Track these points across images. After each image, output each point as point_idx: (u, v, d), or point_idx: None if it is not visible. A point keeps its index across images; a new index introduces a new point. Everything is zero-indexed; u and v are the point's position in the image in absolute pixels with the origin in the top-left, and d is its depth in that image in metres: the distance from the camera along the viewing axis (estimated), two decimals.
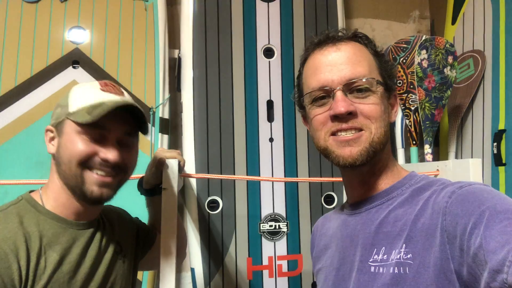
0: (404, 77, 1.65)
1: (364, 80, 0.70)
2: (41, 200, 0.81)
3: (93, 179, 0.78)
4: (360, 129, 0.70)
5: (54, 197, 0.81)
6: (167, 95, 1.56)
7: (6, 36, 1.44)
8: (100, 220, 0.90)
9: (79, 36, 1.51)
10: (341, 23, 1.73)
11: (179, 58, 1.60)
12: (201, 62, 1.56)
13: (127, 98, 0.83)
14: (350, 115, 0.69)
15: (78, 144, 0.77)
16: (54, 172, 0.82)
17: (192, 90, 1.53)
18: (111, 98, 0.79)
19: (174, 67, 1.63)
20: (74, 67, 1.48)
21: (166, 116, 1.55)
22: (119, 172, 0.81)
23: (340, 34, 0.75)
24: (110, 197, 0.82)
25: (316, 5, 1.71)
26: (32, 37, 1.47)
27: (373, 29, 2.13)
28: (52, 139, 0.82)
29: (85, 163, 0.77)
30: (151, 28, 1.58)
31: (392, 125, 1.38)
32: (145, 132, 0.85)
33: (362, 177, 0.75)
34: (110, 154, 0.78)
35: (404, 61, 1.67)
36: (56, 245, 0.78)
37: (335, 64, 0.71)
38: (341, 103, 0.69)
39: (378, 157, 0.72)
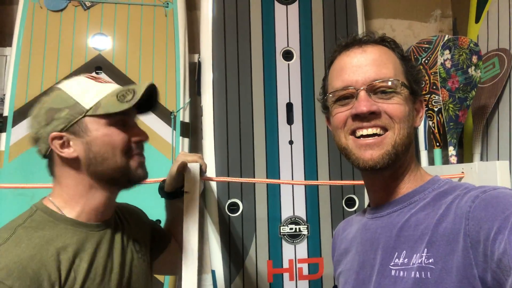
0: (427, 77, 1.62)
1: (389, 81, 0.69)
2: (56, 208, 0.79)
3: (136, 162, 0.81)
4: (383, 129, 0.69)
5: (74, 203, 0.79)
6: (187, 99, 1.58)
7: (32, 45, 1.49)
8: (116, 216, 0.89)
9: (102, 43, 1.55)
10: (360, 24, 1.71)
11: (199, 63, 1.61)
12: (221, 65, 1.57)
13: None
14: (373, 114, 0.68)
15: (114, 135, 0.78)
16: (74, 177, 0.79)
17: (212, 94, 1.55)
18: (111, 87, 0.82)
19: (194, 71, 1.65)
20: (97, 73, 1.51)
21: (187, 119, 1.56)
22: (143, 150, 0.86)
23: (367, 37, 0.75)
24: (147, 175, 0.85)
25: (335, 6, 1.70)
26: (57, 45, 1.51)
27: (393, 30, 2.10)
28: (65, 144, 0.78)
29: (126, 150, 0.80)
30: (171, 33, 1.60)
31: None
32: (155, 108, 0.89)
33: (384, 181, 0.73)
34: (141, 135, 0.83)
35: (427, 61, 1.64)
36: (83, 252, 0.77)
37: (360, 65, 0.71)
38: (363, 102, 0.68)
39: (401, 161, 0.71)
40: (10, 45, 1.51)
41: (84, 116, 0.77)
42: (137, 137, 0.82)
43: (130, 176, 0.81)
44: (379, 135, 0.69)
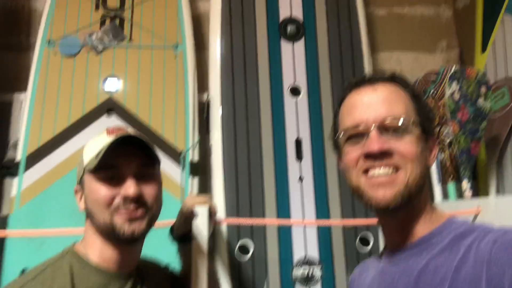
0: (436, 109, 1.61)
1: (400, 120, 0.69)
2: (83, 253, 0.82)
3: (121, 218, 0.79)
4: (396, 168, 0.68)
5: (95, 250, 0.82)
6: (196, 138, 1.59)
7: (46, 90, 1.53)
8: (139, 271, 0.90)
9: (113, 85, 1.59)
10: (367, 58, 1.73)
11: (208, 101, 1.64)
12: (229, 103, 1.59)
13: (129, 132, 0.85)
14: (385, 154, 0.68)
15: (98, 191, 0.79)
16: (89, 227, 0.84)
17: (221, 131, 1.56)
18: (114, 138, 0.81)
19: (203, 110, 1.67)
20: (108, 115, 1.54)
21: (196, 159, 1.57)
22: (143, 205, 0.81)
23: (377, 75, 0.75)
24: (143, 232, 0.82)
25: (341, 42, 1.72)
26: (70, 88, 1.55)
27: (400, 62, 2.11)
28: (80, 197, 0.85)
29: (111, 206, 0.79)
30: (181, 74, 1.64)
31: None
32: (157, 161, 0.86)
33: (398, 223, 0.72)
34: (128, 189, 0.79)
35: (435, 93, 1.64)
36: None
37: (371, 103, 0.71)
38: (375, 141, 0.68)
39: (415, 202, 0.69)
40: (25, 90, 1.56)
41: (84, 172, 0.82)
42: (123, 192, 0.79)
43: (115, 232, 0.79)
44: (391, 174, 0.68)
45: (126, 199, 0.79)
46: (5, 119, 1.64)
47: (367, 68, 1.71)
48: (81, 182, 0.84)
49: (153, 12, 1.71)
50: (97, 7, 1.69)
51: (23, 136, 1.47)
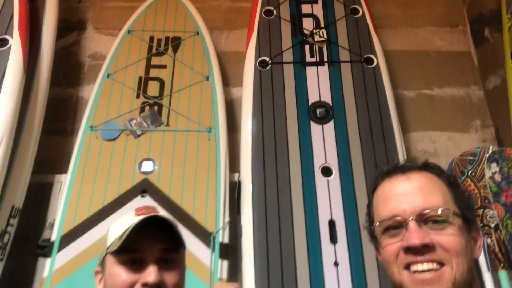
0: (477, 191, 1.54)
1: (439, 211, 0.66)
2: None
3: None
4: (440, 263, 0.63)
5: None
6: (227, 219, 1.57)
7: (85, 172, 1.60)
8: None
9: (149, 167, 1.64)
10: (398, 137, 1.72)
11: (239, 182, 1.65)
12: (260, 183, 1.59)
13: (157, 214, 0.82)
14: (427, 247, 0.64)
15: (118, 276, 0.76)
16: None
17: (252, 212, 1.54)
18: (140, 219, 0.79)
19: (234, 190, 1.67)
20: (142, 196, 1.57)
21: (226, 240, 1.54)
22: None
23: (409, 164, 0.74)
24: None
25: (371, 122, 1.74)
26: (107, 170, 1.62)
27: (433, 141, 2.09)
28: (100, 279, 0.81)
29: None
30: (213, 155, 1.68)
31: None
32: (182, 246, 0.82)
33: None
34: (148, 277, 0.75)
35: (473, 174, 1.58)
36: None
37: (406, 193, 0.69)
38: (415, 234, 0.64)
39: None
40: (66, 172, 1.63)
41: (106, 253, 0.80)
42: (142, 280, 0.75)
43: None
44: (436, 269, 0.63)
45: (145, 286, 0.75)
46: (45, 199, 1.71)
47: (400, 147, 1.69)
48: (102, 263, 0.81)
49: (189, 99, 1.82)
50: (138, 96, 1.83)
51: (59, 216, 1.51)
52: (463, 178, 1.60)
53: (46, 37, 1.88)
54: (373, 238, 0.75)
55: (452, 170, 1.65)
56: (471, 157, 1.61)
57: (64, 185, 1.59)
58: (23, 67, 1.65)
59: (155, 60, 1.93)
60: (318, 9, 2.03)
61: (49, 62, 1.86)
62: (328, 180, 1.61)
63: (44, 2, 1.95)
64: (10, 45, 1.67)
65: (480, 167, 1.57)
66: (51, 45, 1.89)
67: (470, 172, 1.59)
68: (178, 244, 0.82)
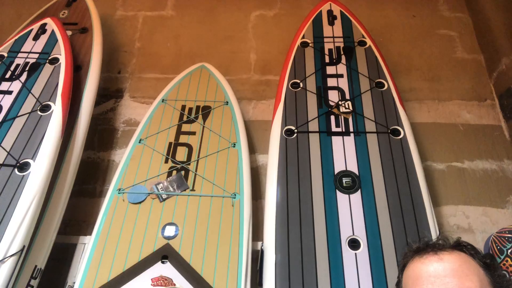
0: None
1: None
2: None
3: None
4: None
5: None
6: None
7: (109, 234, 1.60)
8: None
9: (171, 232, 1.63)
10: (429, 210, 1.65)
11: (262, 251, 1.60)
12: (284, 254, 1.53)
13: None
14: None
15: None
16: None
17: (274, 284, 1.46)
18: None
19: (257, 260, 1.62)
20: (162, 262, 1.54)
21: None
22: None
23: (440, 242, 0.70)
24: None
25: (399, 194, 1.69)
26: (131, 234, 1.61)
27: (467, 216, 1.99)
28: None
29: None
30: (236, 222, 1.65)
31: None
32: None
33: None
34: None
35: None
36: None
37: (439, 276, 0.65)
38: None
39: None
40: (90, 234, 1.64)
41: None
42: None
43: None
44: None
45: None
46: (67, 261, 1.70)
47: (431, 221, 1.61)
48: None
49: (215, 165, 1.85)
50: (166, 161, 1.87)
51: (79, 279, 1.48)
52: (502, 257, 1.49)
53: (85, 103, 2.01)
54: None
55: (490, 248, 1.54)
56: (510, 235, 1.51)
57: (87, 247, 1.59)
58: (61, 131, 1.74)
59: (185, 127, 2.01)
60: (343, 83, 2.10)
61: (86, 127, 1.96)
62: (355, 254, 1.53)
63: (87, 72, 2.11)
64: (52, 111, 1.79)
65: None
66: (89, 111, 2.01)
67: (509, 250, 1.49)
68: None
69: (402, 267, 0.72)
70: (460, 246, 0.69)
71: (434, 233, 1.58)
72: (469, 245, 0.69)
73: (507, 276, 1.42)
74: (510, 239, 1.51)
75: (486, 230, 1.78)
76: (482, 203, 2.03)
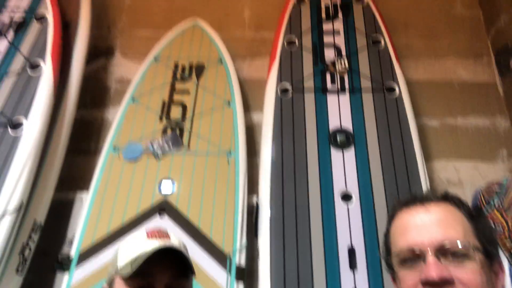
0: (504, 223, 1.47)
1: (458, 244, 0.64)
2: None
3: None
4: None
5: None
6: (244, 241, 1.55)
7: (106, 190, 1.63)
8: None
9: (168, 188, 1.65)
10: (421, 165, 1.68)
11: (257, 204, 1.63)
12: (278, 207, 1.57)
13: (169, 241, 0.82)
14: (446, 282, 0.62)
15: None
16: None
17: (269, 236, 1.51)
18: (153, 244, 0.78)
19: (252, 213, 1.66)
20: (160, 216, 1.57)
21: (243, 263, 1.51)
22: None
23: (428, 195, 0.72)
24: None
25: (392, 150, 1.71)
26: (128, 190, 1.64)
27: (457, 171, 2.03)
28: None
29: None
30: (232, 178, 1.68)
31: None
32: (191, 273, 0.83)
33: None
34: None
35: (500, 205, 1.52)
36: None
37: (425, 225, 0.67)
38: (433, 268, 0.62)
39: None
40: (87, 190, 1.66)
41: (115, 274, 0.80)
42: None
43: None
44: None
45: None
46: (66, 215, 1.74)
47: (422, 176, 1.65)
48: (111, 283, 0.81)
49: (210, 123, 1.85)
50: (160, 118, 1.87)
51: (79, 233, 1.53)
52: (490, 209, 1.54)
53: (76, 62, 1.97)
54: (390, 268, 0.73)
55: (478, 200, 1.59)
56: (498, 187, 1.56)
57: (85, 202, 1.62)
58: (53, 90, 1.72)
59: (179, 86, 1.99)
60: (340, 40, 2.07)
61: (78, 86, 1.94)
62: (348, 207, 1.58)
63: (76, 29, 2.06)
64: (42, 69, 1.75)
65: (507, 197, 1.51)
66: (80, 69, 1.98)
67: (496, 203, 1.53)
68: (187, 271, 0.82)
69: (390, 218, 0.75)
70: (446, 198, 0.71)
71: (425, 187, 1.62)
72: (456, 197, 0.72)
73: (493, 227, 1.47)
74: (498, 193, 1.55)
75: (475, 184, 1.82)
76: (473, 158, 2.06)
